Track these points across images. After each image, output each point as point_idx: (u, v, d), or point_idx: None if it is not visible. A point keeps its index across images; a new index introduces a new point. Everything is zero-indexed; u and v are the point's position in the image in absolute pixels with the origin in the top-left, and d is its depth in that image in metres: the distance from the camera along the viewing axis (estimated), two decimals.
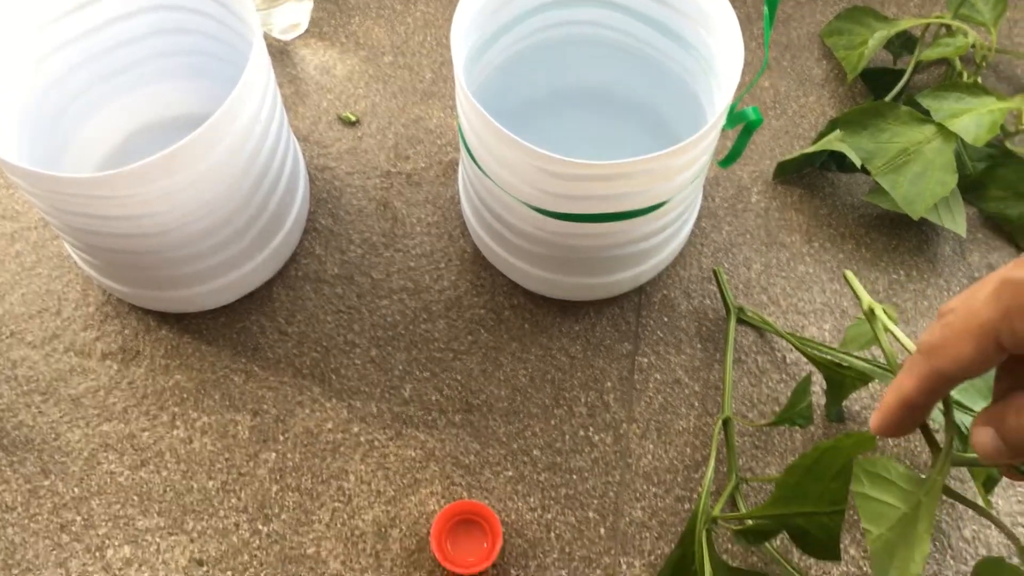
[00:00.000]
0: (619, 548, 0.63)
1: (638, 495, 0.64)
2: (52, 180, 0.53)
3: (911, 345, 0.40)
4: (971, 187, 0.74)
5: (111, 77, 0.71)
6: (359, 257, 0.73)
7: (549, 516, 0.64)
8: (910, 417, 0.38)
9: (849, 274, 0.39)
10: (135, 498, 0.64)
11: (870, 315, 0.38)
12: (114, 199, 0.55)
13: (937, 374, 0.35)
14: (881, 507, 0.41)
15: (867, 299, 0.39)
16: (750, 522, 0.54)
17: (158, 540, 0.63)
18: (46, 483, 0.65)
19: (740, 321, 0.69)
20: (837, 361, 0.62)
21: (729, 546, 0.62)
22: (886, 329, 0.46)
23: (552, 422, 0.67)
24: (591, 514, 0.64)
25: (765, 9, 0.58)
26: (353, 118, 0.78)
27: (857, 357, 0.62)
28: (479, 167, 0.60)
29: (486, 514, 0.62)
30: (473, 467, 0.65)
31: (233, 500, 0.64)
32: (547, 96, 0.75)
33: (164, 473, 0.65)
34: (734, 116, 0.59)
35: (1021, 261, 0.32)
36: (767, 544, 0.60)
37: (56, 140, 0.69)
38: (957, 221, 0.70)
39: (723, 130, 0.61)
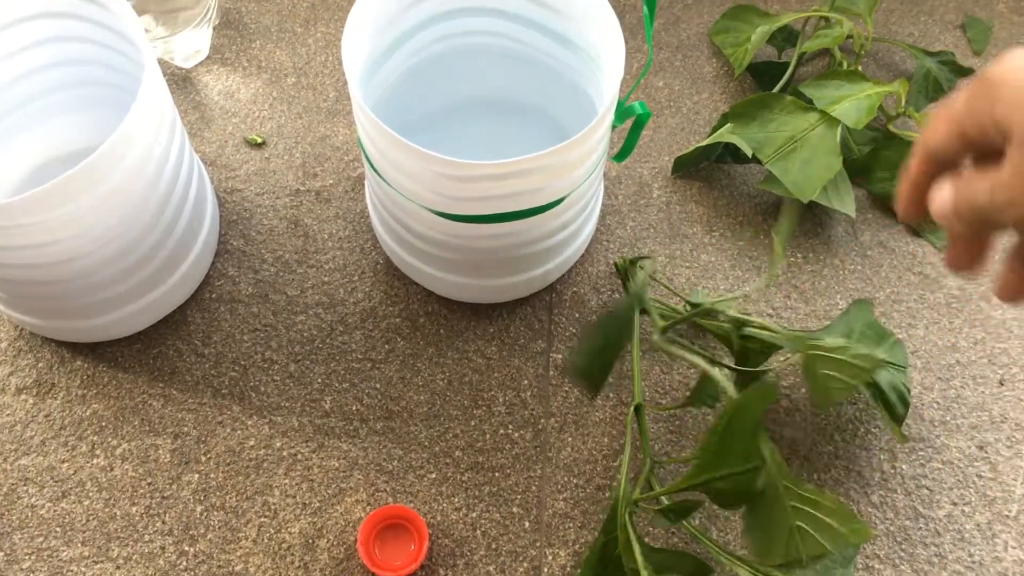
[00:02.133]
0: (544, 540, 0.64)
1: (560, 487, 0.66)
2: None
3: None
4: (858, 170, 0.77)
5: (9, 112, 0.71)
6: (273, 275, 0.73)
7: (474, 514, 0.65)
8: (916, 192, 0.41)
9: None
10: (58, 529, 0.64)
11: None
12: (13, 228, 0.55)
13: (923, 149, 0.39)
14: None
15: None
16: (667, 500, 0.56)
17: (83, 570, 0.62)
18: None
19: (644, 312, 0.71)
20: (741, 333, 0.64)
21: (650, 529, 0.64)
22: None
23: (472, 423, 0.68)
24: (515, 509, 0.65)
25: (645, 8, 0.61)
26: (259, 140, 0.79)
27: (762, 327, 0.64)
28: (380, 177, 0.62)
29: (411, 517, 0.63)
30: (397, 472, 0.66)
31: (158, 524, 0.64)
32: (449, 107, 0.77)
33: (86, 502, 0.65)
34: (623, 111, 0.62)
35: (1002, 57, 0.35)
36: (686, 522, 0.61)
37: None
38: (846, 202, 0.73)
39: (615, 127, 0.63)
